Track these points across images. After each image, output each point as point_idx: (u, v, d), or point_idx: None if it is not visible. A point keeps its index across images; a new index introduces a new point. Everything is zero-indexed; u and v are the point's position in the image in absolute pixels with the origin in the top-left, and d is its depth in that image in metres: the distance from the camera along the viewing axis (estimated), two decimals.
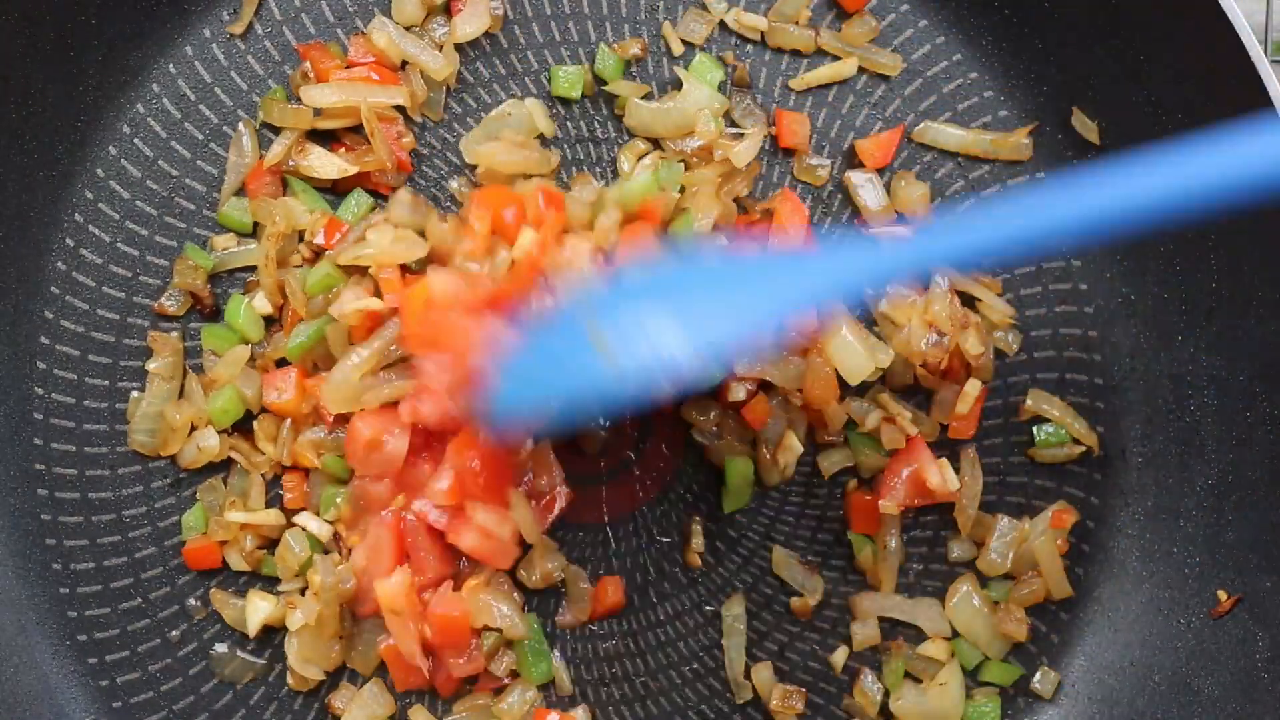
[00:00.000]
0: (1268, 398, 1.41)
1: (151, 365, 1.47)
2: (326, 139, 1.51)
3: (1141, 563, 1.50)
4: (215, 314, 1.50)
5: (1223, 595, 1.43)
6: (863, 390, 1.50)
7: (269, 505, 1.48)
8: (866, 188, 1.51)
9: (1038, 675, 1.50)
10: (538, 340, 1.34)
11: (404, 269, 1.44)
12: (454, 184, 1.51)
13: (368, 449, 1.41)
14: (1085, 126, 1.49)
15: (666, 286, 1.30)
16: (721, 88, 1.52)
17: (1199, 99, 1.40)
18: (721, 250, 1.42)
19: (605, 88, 1.51)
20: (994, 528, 1.49)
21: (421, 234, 1.44)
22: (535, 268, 1.38)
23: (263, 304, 1.48)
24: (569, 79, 1.51)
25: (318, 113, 1.48)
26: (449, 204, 1.52)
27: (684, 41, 1.52)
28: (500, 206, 1.41)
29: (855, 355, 1.44)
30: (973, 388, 1.48)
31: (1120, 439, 1.52)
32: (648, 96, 1.51)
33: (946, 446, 1.51)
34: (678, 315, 1.24)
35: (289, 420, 1.47)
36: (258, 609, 1.46)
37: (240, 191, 1.50)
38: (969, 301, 1.51)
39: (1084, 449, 1.51)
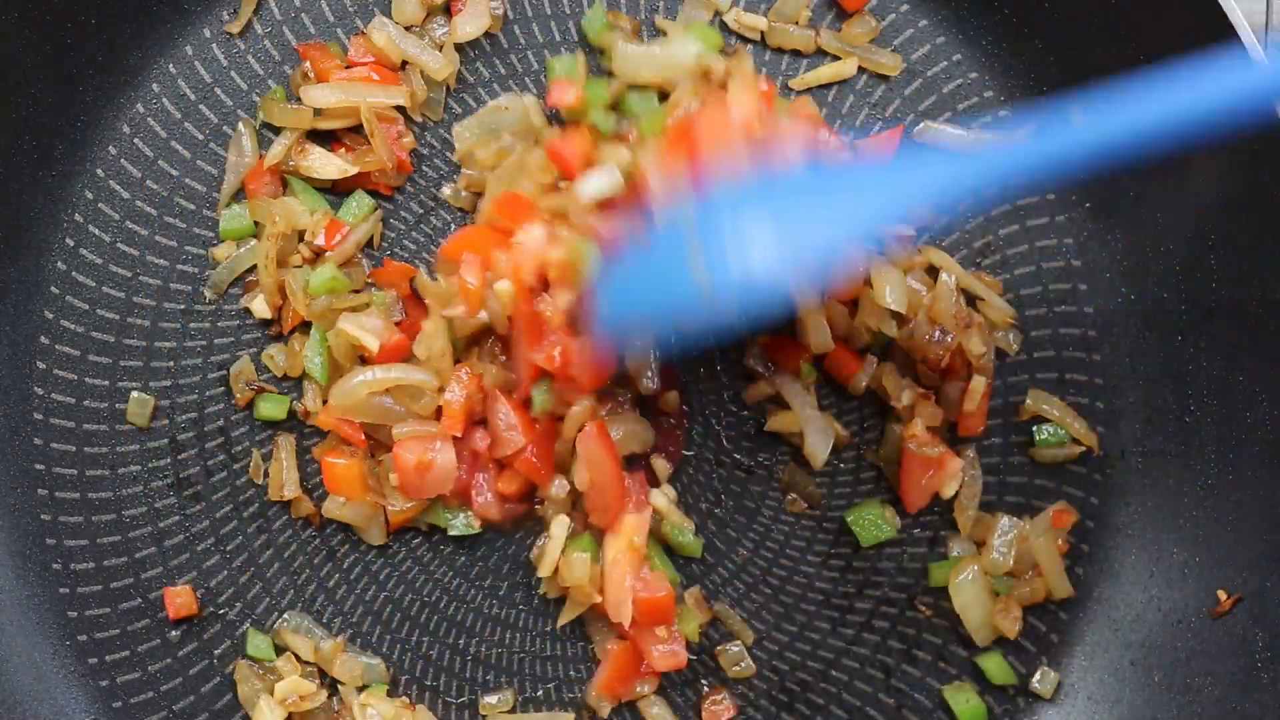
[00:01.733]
0: (1268, 398, 1.41)
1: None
2: (326, 139, 1.51)
3: (1141, 563, 1.50)
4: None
5: (1223, 595, 1.43)
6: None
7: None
8: None
9: (1037, 675, 1.50)
10: (636, 252, 1.33)
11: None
12: (446, 190, 1.51)
13: (419, 472, 1.43)
14: None
15: (761, 197, 1.27)
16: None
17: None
18: (814, 161, 1.37)
19: (592, 39, 1.51)
20: (995, 527, 1.49)
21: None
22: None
23: (261, 307, 1.48)
24: (564, 66, 1.50)
25: (318, 113, 1.48)
26: (446, 211, 1.52)
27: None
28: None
29: (897, 282, 1.45)
30: (978, 384, 1.47)
31: (1120, 439, 1.52)
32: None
33: (952, 445, 1.50)
34: (771, 227, 1.21)
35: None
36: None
37: (240, 192, 1.50)
38: (970, 301, 1.51)
39: (1084, 449, 1.51)
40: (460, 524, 1.48)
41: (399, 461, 1.43)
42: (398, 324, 1.47)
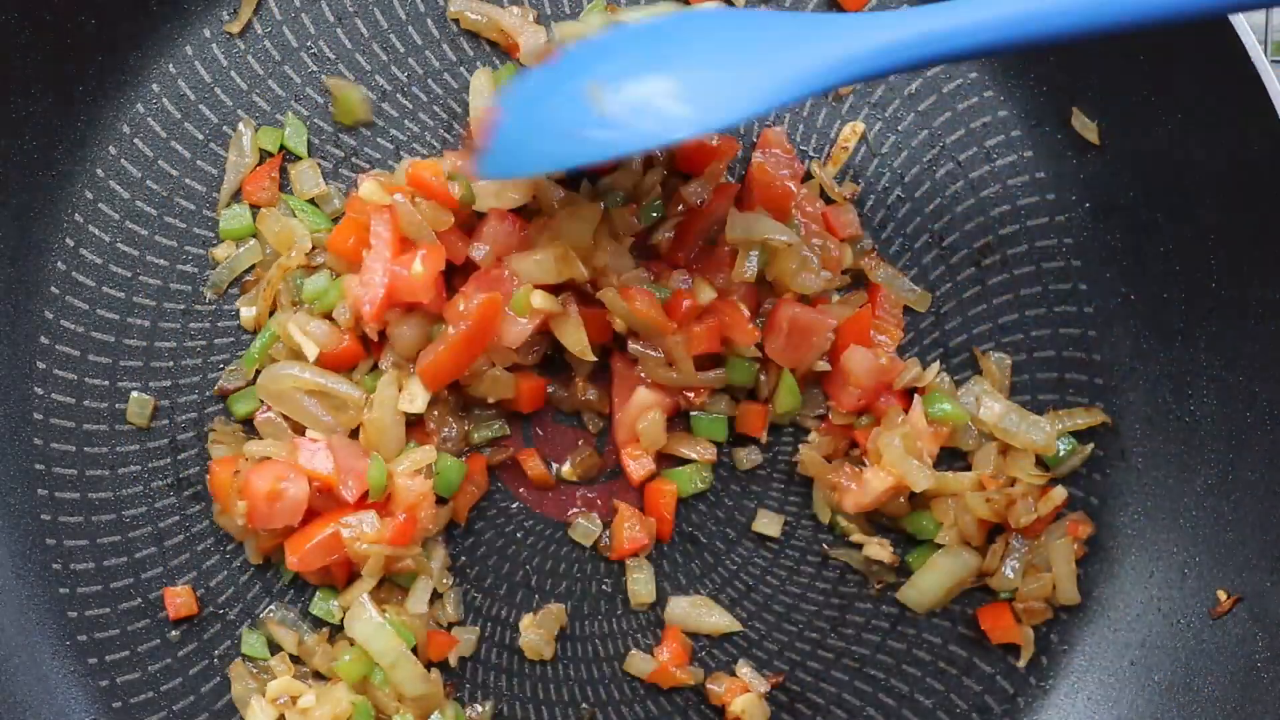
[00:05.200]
0: (1268, 398, 1.41)
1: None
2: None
3: (1141, 563, 1.50)
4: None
5: (1223, 595, 1.43)
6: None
7: None
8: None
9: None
10: (536, 89, 1.32)
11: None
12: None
13: (269, 500, 1.40)
14: (1085, 126, 1.49)
15: (666, 38, 1.27)
16: None
17: (1199, 99, 1.40)
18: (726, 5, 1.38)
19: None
20: (1007, 546, 1.49)
21: None
22: None
23: (250, 316, 1.48)
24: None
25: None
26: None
27: None
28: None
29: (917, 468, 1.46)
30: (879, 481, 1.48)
31: (1120, 439, 1.52)
32: None
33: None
34: (676, 68, 1.21)
35: None
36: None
37: (238, 193, 1.50)
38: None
39: (1091, 447, 1.50)
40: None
41: (249, 487, 1.40)
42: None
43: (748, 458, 1.51)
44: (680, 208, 1.47)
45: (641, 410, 1.46)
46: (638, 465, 1.48)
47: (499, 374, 1.44)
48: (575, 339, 1.43)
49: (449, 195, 1.42)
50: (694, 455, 1.50)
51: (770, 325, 1.46)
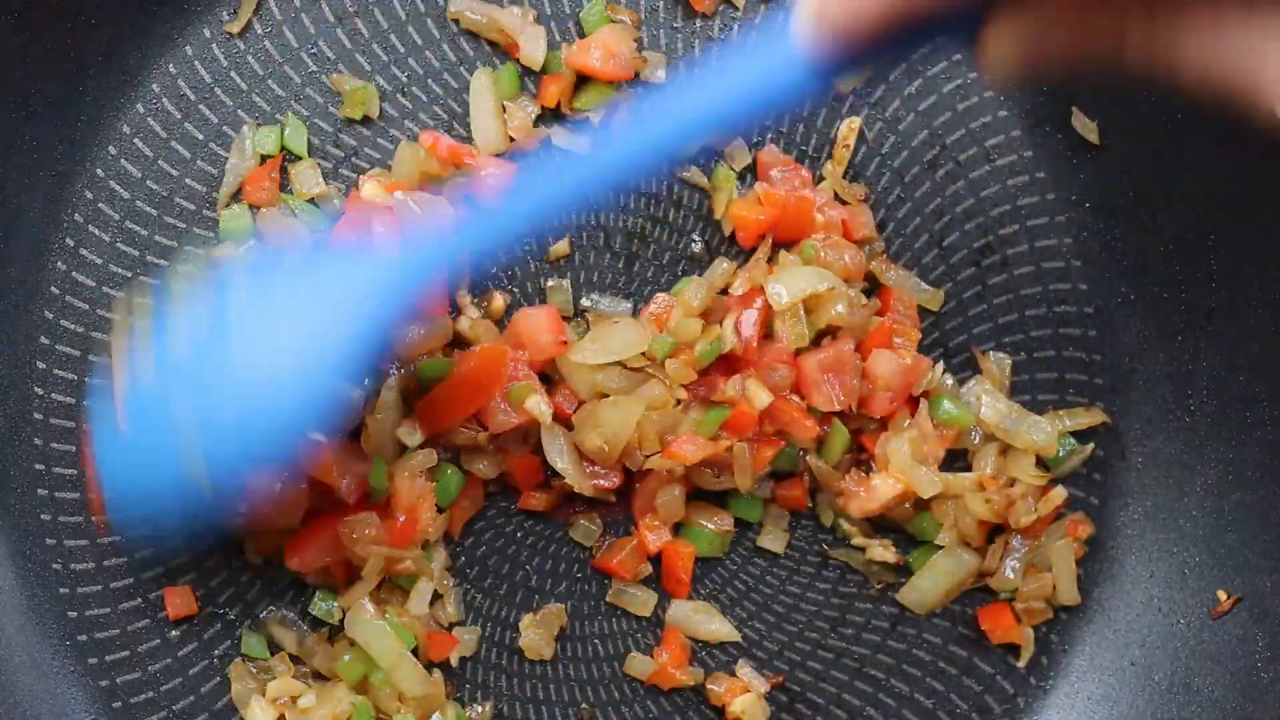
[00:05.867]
0: (1268, 398, 1.42)
1: None
2: None
3: (1141, 563, 1.50)
4: None
5: (1223, 595, 1.43)
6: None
7: None
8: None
9: None
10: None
11: None
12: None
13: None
14: (1085, 126, 1.49)
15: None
16: None
17: (1199, 99, 1.40)
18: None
19: (590, 32, 1.50)
20: (1007, 545, 1.49)
21: None
22: None
23: None
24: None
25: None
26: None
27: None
28: None
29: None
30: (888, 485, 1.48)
31: (1120, 439, 1.52)
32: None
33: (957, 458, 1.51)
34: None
35: None
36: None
37: (238, 193, 1.50)
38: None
39: (1092, 447, 1.51)
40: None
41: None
42: None
43: (774, 541, 1.51)
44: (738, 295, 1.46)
45: (662, 485, 1.47)
46: (655, 536, 1.48)
47: (490, 456, 1.45)
48: (559, 455, 1.43)
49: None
50: (712, 526, 1.49)
51: (804, 383, 1.44)
